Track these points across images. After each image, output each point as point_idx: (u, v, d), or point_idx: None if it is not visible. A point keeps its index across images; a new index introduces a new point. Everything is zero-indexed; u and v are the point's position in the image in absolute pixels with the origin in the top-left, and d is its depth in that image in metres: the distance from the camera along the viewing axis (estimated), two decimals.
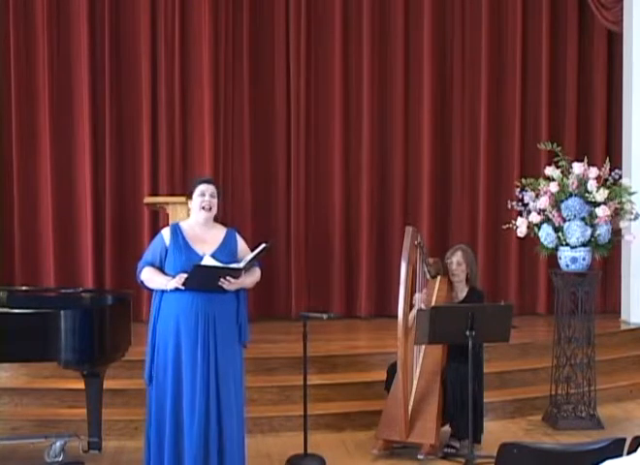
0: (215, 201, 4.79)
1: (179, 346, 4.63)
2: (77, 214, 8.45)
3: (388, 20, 8.89)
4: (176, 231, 4.74)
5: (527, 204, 6.27)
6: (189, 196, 4.83)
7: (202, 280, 4.61)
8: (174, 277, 4.63)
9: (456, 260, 5.94)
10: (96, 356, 5.16)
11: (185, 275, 4.56)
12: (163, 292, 4.67)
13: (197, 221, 4.79)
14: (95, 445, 5.44)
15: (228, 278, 4.61)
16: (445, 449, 5.67)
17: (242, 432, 4.80)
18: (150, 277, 4.70)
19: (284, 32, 8.75)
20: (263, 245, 4.73)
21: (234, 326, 4.73)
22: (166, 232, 4.76)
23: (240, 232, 4.96)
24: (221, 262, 4.64)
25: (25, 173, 8.40)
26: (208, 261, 4.62)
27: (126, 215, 8.35)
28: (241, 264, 4.67)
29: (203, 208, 4.75)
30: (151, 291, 4.79)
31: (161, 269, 4.72)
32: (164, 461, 4.62)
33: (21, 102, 8.37)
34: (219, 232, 4.82)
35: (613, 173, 6.15)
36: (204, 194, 4.75)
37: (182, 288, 4.57)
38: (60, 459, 5.43)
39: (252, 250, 4.77)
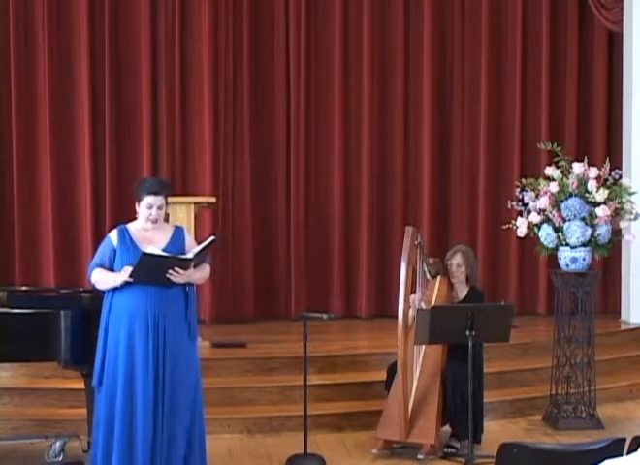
0: (162, 212, 4.81)
1: (132, 346, 4.63)
2: (77, 214, 8.45)
3: (388, 21, 8.88)
4: (124, 232, 4.78)
5: (527, 204, 6.27)
6: (136, 198, 4.81)
7: (150, 271, 4.59)
8: None
9: (456, 262, 5.94)
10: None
11: (131, 267, 4.57)
12: (114, 292, 4.69)
13: (144, 227, 4.80)
14: None
15: (176, 269, 4.61)
16: (445, 449, 5.67)
17: (203, 431, 4.79)
18: (101, 277, 4.73)
19: (284, 32, 8.74)
20: (212, 237, 4.78)
21: (183, 324, 4.73)
22: (113, 235, 4.79)
23: (187, 231, 5.02)
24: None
25: (25, 174, 8.39)
26: (153, 250, 4.62)
27: (126, 215, 8.23)
28: (190, 255, 4.68)
29: (149, 221, 4.76)
30: (104, 293, 4.78)
31: (111, 271, 4.73)
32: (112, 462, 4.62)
33: (21, 102, 8.36)
34: (166, 232, 4.85)
35: (613, 173, 6.16)
36: (151, 207, 4.75)
37: (131, 280, 4.58)
38: (60, 459, 5.43)
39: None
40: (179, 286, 4.71)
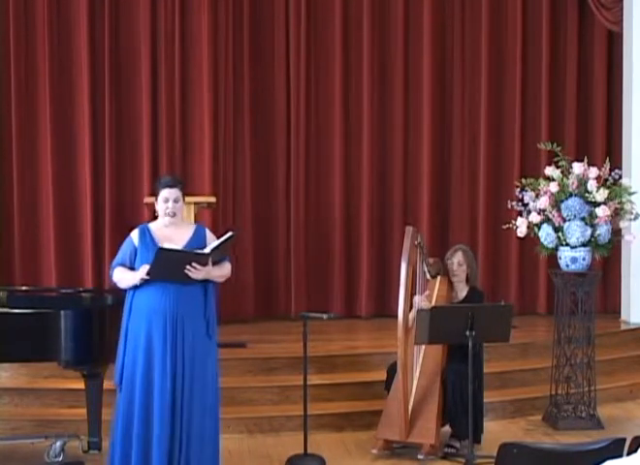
0: (179, 204, 4.82)
1: (151, 345, 4.63)
2: (77, 214, 8.43)
3: (388, 21, 8.88)
4: (145, 231, 4.80)
5: (527, 204, 6.27)
6: (155, 196, 4.84)
7: (167, 267, 4.59)
8: None
9: (457, 260, 5.94)
10: (96, 356, 5.17)
11: (148, 265, 4.59)
12: (135, 291, 4.70)
13: (164, 223, 4.82)
14: (95, 445, 5.46)
15: (194, 265, 4.61)
16: (445, 449, 5.67)
17: (216, 432, 4.78)
18: (121, 276, 4.75)
19: (284, 31, 8.73)
20: (229, 233, 4.76)
21: (202, 323, 4.72)
22: (134, 234, 4.81)
23: (209, 229, 5.01)
24: None
25: (25, 175, 8.38)
26: (169, 246, 4.63)
27: (126, 215, 8.32)
28: (207, 250, 4.68)
29: (167, 215, 4.78)
30: (126, 292, 4.79)
31: (132, 270, 4.75)
32: (131, 462, 4.62)
33: (21, 102, 8.34)
34: (187, 230, 4.86)
35: (613, 173, 6.16)
36: (167, 200, 4.77)
37: (148, 277, 4.59)
38: (60, 459, 5.43)
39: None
40: (198, 283, 4.71)
